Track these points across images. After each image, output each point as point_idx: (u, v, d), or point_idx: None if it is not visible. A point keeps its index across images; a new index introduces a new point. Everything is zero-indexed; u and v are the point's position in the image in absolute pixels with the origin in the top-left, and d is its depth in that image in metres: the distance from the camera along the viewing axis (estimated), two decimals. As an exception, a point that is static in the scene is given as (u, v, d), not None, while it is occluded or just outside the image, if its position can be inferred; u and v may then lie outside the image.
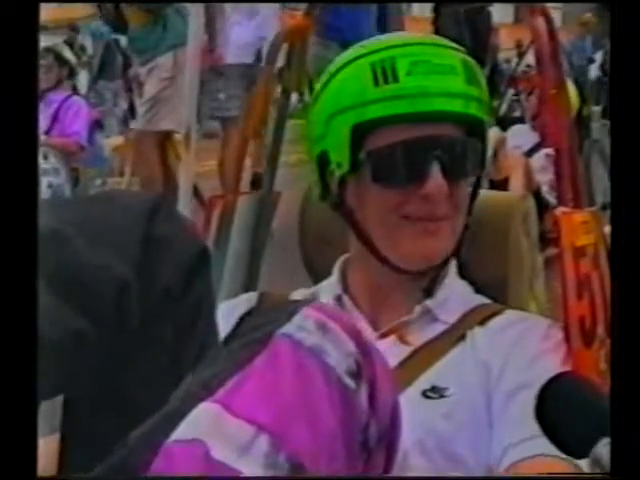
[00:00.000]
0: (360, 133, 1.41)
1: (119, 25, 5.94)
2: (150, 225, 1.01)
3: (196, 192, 4.04)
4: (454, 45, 1.46)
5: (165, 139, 5.67)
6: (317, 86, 1.50)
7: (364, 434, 0.94)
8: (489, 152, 4.95)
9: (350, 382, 0.94)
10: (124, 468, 0.91)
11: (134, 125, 6.46)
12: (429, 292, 1.48)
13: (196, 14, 3.04)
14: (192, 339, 1.03)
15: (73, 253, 0.97)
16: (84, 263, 0.97)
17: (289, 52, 1.81)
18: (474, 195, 1.49)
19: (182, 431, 0.90)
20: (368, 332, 1.45)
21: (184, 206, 2.90)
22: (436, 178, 1.39)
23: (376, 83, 1.40)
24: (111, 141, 8.96)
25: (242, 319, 1.05)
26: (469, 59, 1.44)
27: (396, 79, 1.39)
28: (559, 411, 1.02)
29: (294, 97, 1.89)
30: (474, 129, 1.44)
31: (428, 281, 1.48)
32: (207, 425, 0.90)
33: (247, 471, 0.87)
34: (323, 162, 1.47)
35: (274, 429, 0.90)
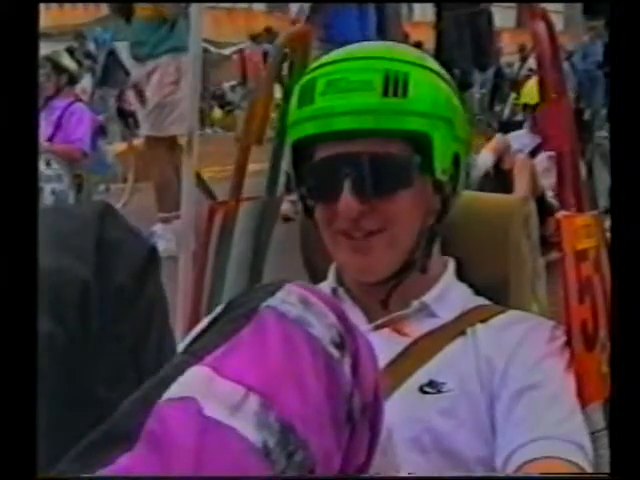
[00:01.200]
0: (296, 152, 1.47)
1: (127, 18, 5.96)
2: (101, 230, 1.05)
3: (202, 183, 4.04)
4: (391, 54, 1.44)
5: (175, 143, 5.68)
6: None
7: (348, 404, 0.96)
8: (490, 159, 4.90)
9: (334, 352, 0.96)
10: (118, 432, 0.92)
11: (141, 131, 6.44)
12: (385, 303, 1.49)
13: (198, 15, 3.03)
14: (149, 337, 1.07)
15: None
16: (46, 267, 0.99)
17: (290, 58, 1.82)
18: (446, 200, 1.47)
19: (174, 392, 0.92)
20: (363, 324, 1.47)
21: (187, 210, 2.90)
22: (345, 196, 1.40)
23: (299, 105, 1.44)
24: (114, 147, 8.97)
25: (226, 306, 1.08)
26: (401, 69, 1.41)
27: (312, 100, 1.42)
28: None
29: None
30: (410, 141, 1.42)
31: (385, 292, 1.49)
32: (198, 386, 0.92)
33: (239, 427, 0.89)
34: None
35: (263, 390, 0.91)
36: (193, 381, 0.93)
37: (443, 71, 1.49)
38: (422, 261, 1.49)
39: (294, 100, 1.45)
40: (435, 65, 1.48)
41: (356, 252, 1.44)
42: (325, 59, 1.46)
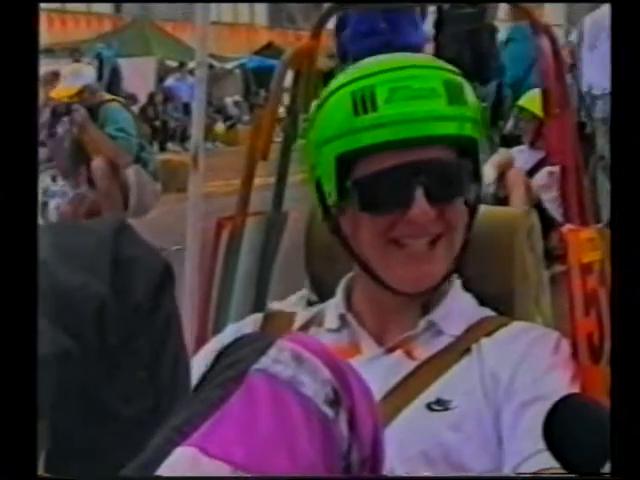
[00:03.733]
0: (345, 163, 1.43)
1: None
2: (117, 247, 1.05)
3: None
4: (437, 64, 1.47)
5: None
6: (309, 115, 1.53)
7: (346, 460, 0.94)
8: (493, 173, 4.91)
9: (328, 411, 0.93)
10: None
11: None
12: (427, 308, 1.50)
13: (203, 30, 3.03)
14: (166, 353, 1.06)
15: (52, 275, 1.00)
16: (63, 284, 1.00)
17: (296, 73, 1.83)
18: (473, 212, 1.49)
19: (161, 471, 0.90)
20: (374, 348, 1.48)
21: (194, 225, 2.91)
22: (420, 203, 1.40)
23: (356, 113, 1.41)
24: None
25: (217, 358, 1.05)
26: (454, 77, 1.44)
27: (375, 108, 1.40)
28: (567, 432, 1.03)
29: (301, 117, 1.91)
30: (463, 148, 1.45)
31: (427, 298, 1.50)
32: (183, 469, 0.90)
33: None
34: (319, 189, 1.49)
35: (251, 466, 0.89)
36: (178, 465, 0.91)
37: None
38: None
39: (344, 107, 1.42)
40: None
41: (412, 261, 1.44)
42: (371, 68, 1.45)
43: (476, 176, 1.47)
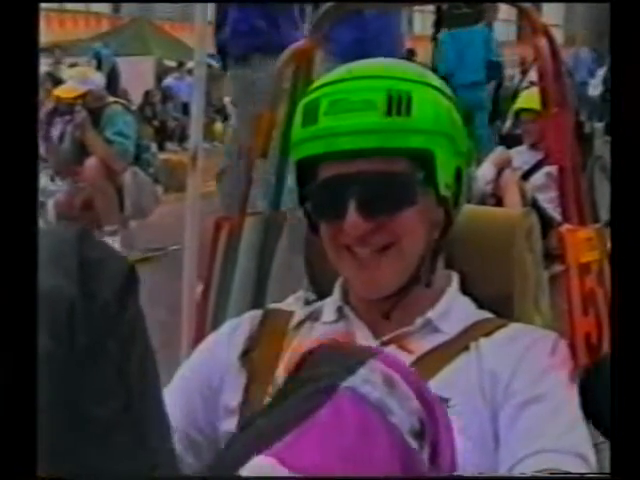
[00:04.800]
0: (300, 171, 1.49)
1: None
2: (82, 250, 1.07)
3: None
4: (390, 72, 1.45)
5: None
6: None
7: None
8: (492, 171, 4.90)
9: (413, 442, 0.93)
10: None
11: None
12: (387, 316, 1.50)
13: (202, 29, 3.03)
14: (134, 353, 1.07)
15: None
16: (39, 286, 1.01)
17: (295, 73, 1.83)
18: (449, 214, 1.48)
19: None
20: (370, 340, 1.49)
21: (192, 226, 2.91)
22: (351, 215, 1.41)
23: (303, 124, 1.45)
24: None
25: (303, 360, 1.04)
26: (404, 88, 1.42)
27: (315, 120, 1.42)
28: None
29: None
30: (413, 159, 1.43)
31: (389, 306, 1.50)
32: (261, 476, 0.90)
33: None
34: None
35: None
36: (257, 471, 0.91)
37: (444, 86, 1.50)
38: (427, 276, 1.50)
39: (298, 119, 1.46)
40: (436, 81, 1.49)
41: (361, 268, 1.45)
42: (327, 78, 1.47)
43: (432, 184, 1.45)
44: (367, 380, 0.95)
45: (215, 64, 6.85)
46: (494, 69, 8.14)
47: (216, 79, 11.06)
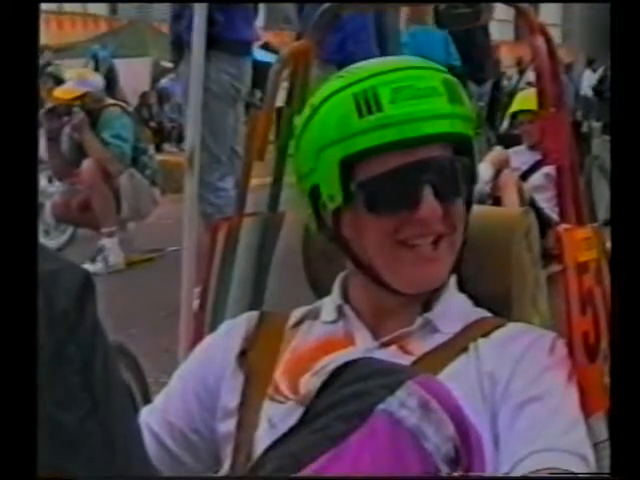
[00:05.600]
0: (349, 165, 1.43)
1: None
2: (39, 263, 1.07)
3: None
4: (433, 65, 1.47)
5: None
6: (300, 120, 1.51)
7: None
8: (490, 171, 4.91)
9: (446, 469, 0.93)
10: None
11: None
12: (428, 306, 1.50)
13: (199, 31, 3.02)
14: (96, 358, 1.08)
15: None
16: None
17: (291, 74, 1.83)
18: (467, 210, 1.50)
19: None
20: (369, 341, 1.48)
21: (190, 227, 2.91)
22: (429, 201, 1.41)
23: (360, 114, 1.41)
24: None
25: (334, 375, 1.03)
26: (449, 78, 1.45)
27: (380, 108, 1.40)
28: None
29: (296, 119, 1.90)
30: (462, 146, 1.46)
31: (426, 297, 1.50)
32: None
33: None
34: (315, 196, 1.48)
35: None
36: None
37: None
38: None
39: (348, 110, 1.42)
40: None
41: (422, 261, 1.44)
42: (375, 68, 1.45)
43: (472, 175, 1.48)
44: (404, 404, 0.95)
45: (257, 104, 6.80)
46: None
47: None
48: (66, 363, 1.04)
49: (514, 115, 5.70)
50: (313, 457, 0.93)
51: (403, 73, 1.43)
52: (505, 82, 14.20)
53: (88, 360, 1.07)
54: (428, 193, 1.41)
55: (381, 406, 0.94)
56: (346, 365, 1.09)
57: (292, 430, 1.06)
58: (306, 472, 0.92)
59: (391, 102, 1.40)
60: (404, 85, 1.41)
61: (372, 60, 1.50)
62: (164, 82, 17.89)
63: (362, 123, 1.41)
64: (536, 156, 5.33)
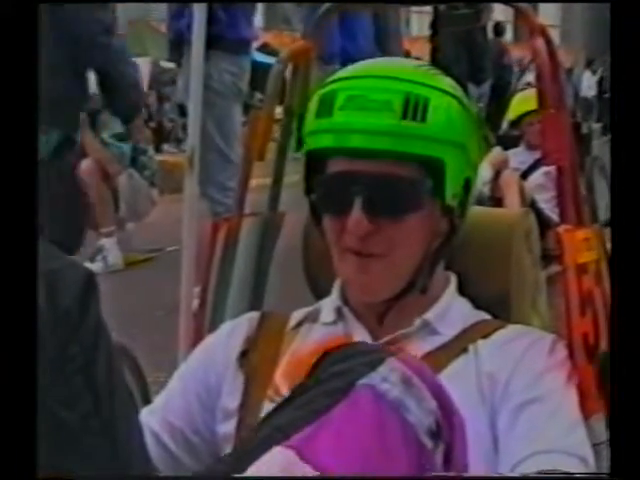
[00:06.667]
0: (311, 161, 1.48)
1: None
2: (40, 261, 1.07)
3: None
4: (408, 75, 1.44)
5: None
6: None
7: None
8: (490, 172, 4.90)
9: (428, 442, 0.95)
10: None
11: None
12: (381, 320, 1.50)
13: (199, 30, 3.02)
14: (98, 357, 1.08)
15: None
16: None
17: (292, 74, 1.83)
18: (453, 224, 1.48)
19: (257, 469, 0.93)
20: (368, 340, 1.48)
21: (190, 226, 2.91)
22: (356, 213, 1.41)
23: (317, 115, 1.44)
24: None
25: (321, 358, 1.06)
26: (422, 93, 1.42)
27: (330, 113, 1.42)
28: None
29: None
30: (423, 165, 1.43)
31: (384, 309, 1.50)
32: (278, 468, 0.92)
33: None
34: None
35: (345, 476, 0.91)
36: (276, 461, 0.93)
37: (460, 93, 1.49)
38: (423, 282, 1.49)
39: (312, 108, 1.46)
40: (452, 87, 1.48)
41: (360, 271, 1.45)
42: (347, 72, 1.47)
43: (439, 193, 1.44)
44: (386, 378, 0.96)
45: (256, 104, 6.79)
46: None
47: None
48: (69, 362, 1.04)
49: (519, 118, 5.67)
50: (298, 429, 0.95)
51: (364, 82, 1.44)
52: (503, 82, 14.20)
53: (90, 360, 1.07)
54: (357, 204, 1.41)
55: (363, 380, 0.96)
56: (330, 351, 1.10)
57: (277, 408, 1.07)
58: (292, 441, 0.93)
59: (340, 109, 1.41)
60: (358, 94, 1.42)
61: (362, 63, 1.51)
62: (164, 82, 17.87)
63: (315, 124, 1.44)
64: (534, 156, 5.34)
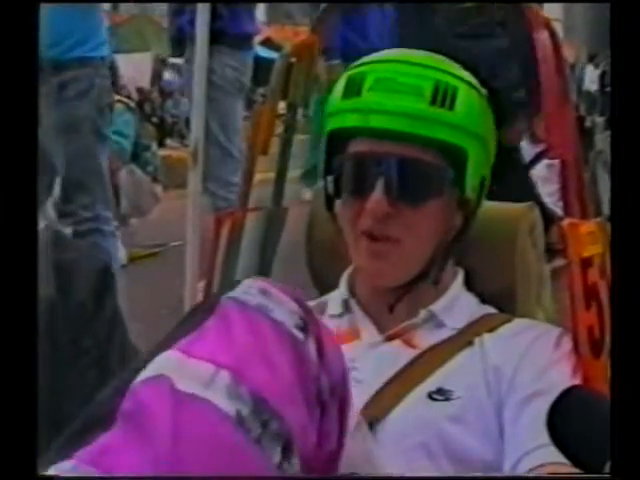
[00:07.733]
0: (334, 141, 1.48)
1: None
2: (56, 252, 1.07)
3: None
4: (438, 64, 1.46)
5: None
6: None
7: (316, 384, 0.99)
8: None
9: (298, 334, 0.99)
10: (96, 418, 0.95)
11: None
12: (392, 309, 1.50)
13: (202, 25, 3.02)
14: (112, 350, 1.08)
15: None
16: None
17: (296, 68, 1.82)
18: (468, 219, 1.49)
19: (146, 374, 0.95)
20: (374, 334, 1.49)
21: (194, 221, 2.91)
22: (377, 194, 1.41)
23: (344, 95, 1.45)
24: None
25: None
26: (451, 81, 1.44)
27: (359, 93, 1.43)
28: (570, 425, 1.04)
29: (300, 112, 1.90)
30: (450, 155, 1.44)
31: (394, 299, 1.50)
32: (170, 366, 0.95)
33: (213, 399, 0.92)
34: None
35: (232, 367, 0.95)
36: (164, 363, 0.96)
37: (485, 92, 1.50)
38: (436, 274, 1.50)
39: (339, 89, 1.46)
40: (478, 84, 1.49)
41: (374, 255, 1.45)
42: (378, 56, 1.48)
43: (460, 184, 1.46)
44: (245, 292, 1.02)
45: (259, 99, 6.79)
46: None
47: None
48: (82, 355, 1.04)
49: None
50: (177, 341, 0.99)
51: (393, 66, 1.44)
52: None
53: (104, 353, 1.07)
54: (379, 185, 1.41)
55: (225, 296, 1.02)
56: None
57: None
58: (177, 346, 0.97)
59: (369, 89, 1.42)
60: (387, 76, 1.43)
61: (392, 50, 1.51)
62: (166, 77, 17.88)
63: (342, 103, 1.45)
64: (537, 148, 5.33)
